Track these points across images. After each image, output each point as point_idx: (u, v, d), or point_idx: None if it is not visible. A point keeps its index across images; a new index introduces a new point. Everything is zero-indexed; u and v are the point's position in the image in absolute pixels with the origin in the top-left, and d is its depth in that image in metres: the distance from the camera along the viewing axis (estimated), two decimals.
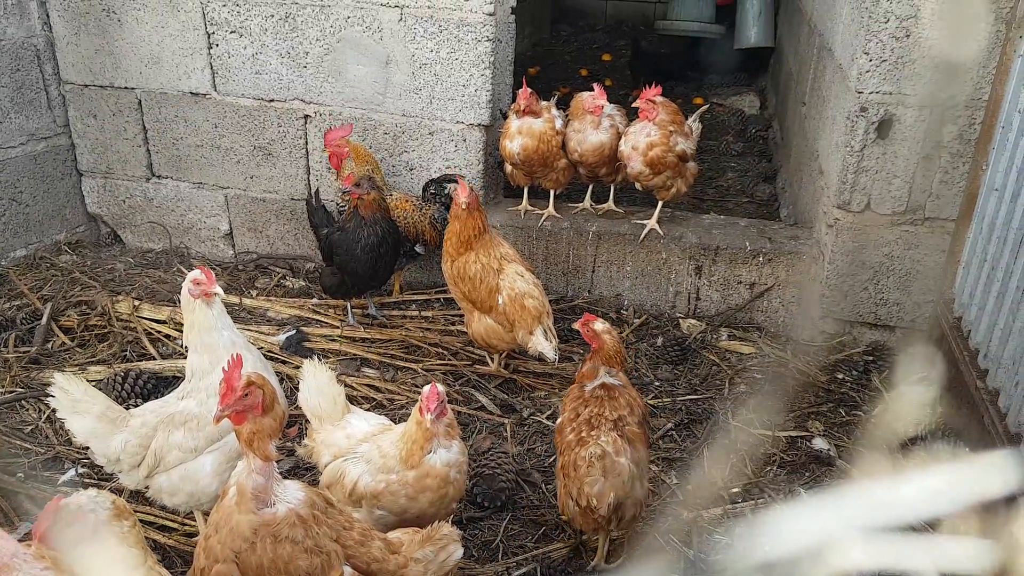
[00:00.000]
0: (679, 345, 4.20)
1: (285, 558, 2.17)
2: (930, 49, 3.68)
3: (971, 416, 3.48)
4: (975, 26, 3.62)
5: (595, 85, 4.35)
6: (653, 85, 4.25)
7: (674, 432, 3.70)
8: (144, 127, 5.02)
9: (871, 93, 3.83)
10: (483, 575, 2.93)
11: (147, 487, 2.90)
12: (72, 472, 3.39)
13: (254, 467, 2.20)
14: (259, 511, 2.19)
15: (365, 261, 4.09)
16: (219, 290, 2.91)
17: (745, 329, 4.47)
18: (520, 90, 4.30)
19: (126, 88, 4.94)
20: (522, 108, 4.26)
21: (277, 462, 2.27)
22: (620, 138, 4.32)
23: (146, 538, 2.73)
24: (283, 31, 4.53)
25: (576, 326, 3.11)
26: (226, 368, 2.34)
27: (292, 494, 2.25)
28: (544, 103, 4.36)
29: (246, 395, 2.25)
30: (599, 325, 3.02)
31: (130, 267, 5.08)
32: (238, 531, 2.18)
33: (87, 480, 3.34)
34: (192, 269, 4.92)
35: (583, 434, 2.78)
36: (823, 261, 4.23)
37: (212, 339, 2.88)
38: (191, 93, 4.84)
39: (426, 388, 2.65)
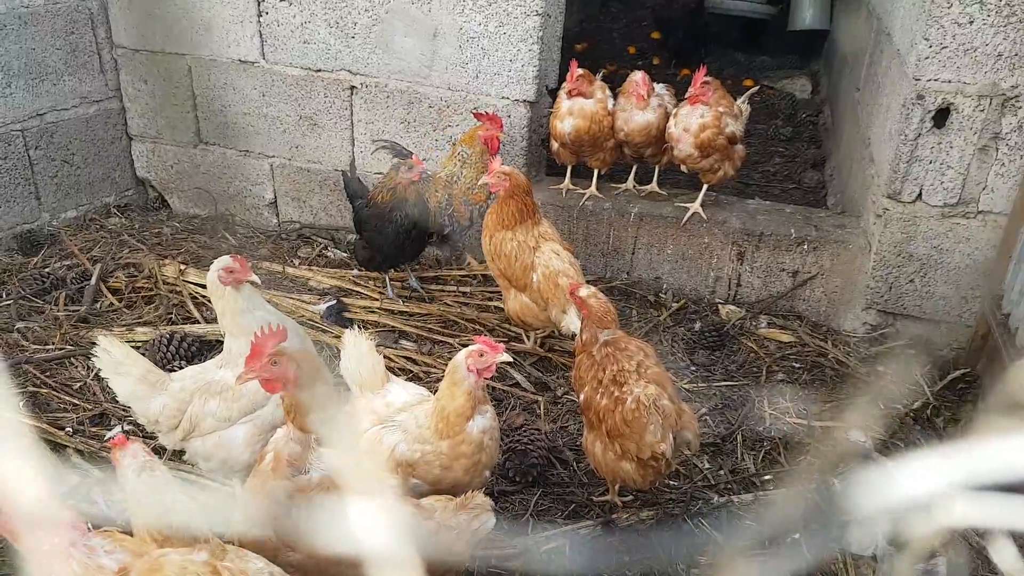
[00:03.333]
0: (717, 331, 4.17)
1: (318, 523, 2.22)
2: (993, 37, 3.56)
3: (1015, 413, 3.41)
4: None
5: (642, 76, 4.26)
6: (701, 67, 4.19)
7: (708, 417, 3.68)
8: (193, 93, 5.08)
9: (929, 80, 3.72)
10: (512, 548, 2.97)
11: (184, 448, 2.98)
12: (118, 428, 3.50)
13: (292, 435, 2.25)
14: (294, 478, 2.24)
15: (393, 240, 4.14)
16: (255, 278, 2.92)
17: (785, 317, 4.42)
18: (569, 72, 4.26)
19: (177, 54, 5.00)
20: (569, 91, 4.23)
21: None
22: (668, 118, 4.27)
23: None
24: (332, 0, 4.53)
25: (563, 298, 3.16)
26: (261, 333, 2.35)
27: (327, 463, 2.30)
28: (585, 87, 4.28)
29: (275, 363, 2.27)
30: (584, 291, 3.06)
31: (176, 232, 5.18)
32: (273, 495, 2.24)
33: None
34: (236, 236, 5.12)
35: (616, 394, 2.78)
36: (870, 251, 4.15)
37: (246, 321, 2.90)
38: (240, 61, 4.88)
39: (464, 352, 2.65)
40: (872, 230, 4.15)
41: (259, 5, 4.69)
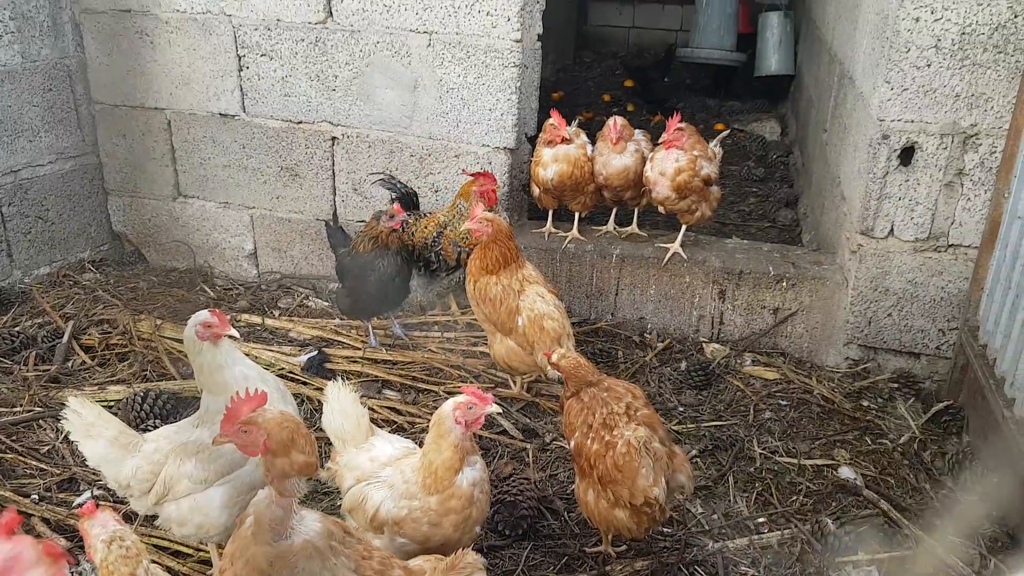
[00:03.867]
0: (703, 370, 4.18)
1: None
2: (950, 79, 3.70)
3: (1000, 445, 3.44)
4: (991, 56, 3.63)
5: (614, 120, 4.37)
6: (674, 114, 4.30)
7: (699, 459, 3.66)
8: (172, 147, 5.09)
9: (893, 121, 3.84)
10: None
11: (156, 513, 2.84)
12: (87, 494, 3.36)
13: (274, 498, 2.18)
14: (275, 542, 2.17)
15: (376, 288, 4.13)
16: (234, 332, 2.83)
17: (769, 354, 4.45)
18: (549, 122, 4.34)
19: (156, 109, 5.02)
20: (548, 140, 4.32)
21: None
22: (645, 162, 4.35)
23: (159, 564, 2.70)
24: (313, 55, 4.60)
25: (539, 359, 3.12)
26: (239, 397, 2.30)
27: (309, 525, 2.20)
28: (573, 128, 4.40)
29: (245, 432, 2.22)
30: (555, 356, 3.05)
31: (153, 286, 5.12)
32: (254, 563, 2.14)
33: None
34: (215, 288, 5.07)
35: (607, 438, 2.75)
36: (847, 287, 4.22)
37: (223, 377, 2.80)
38: (220, 114, 4.91)
39: (450, 403, 2.61)
40: (848, 266, 4.22)
41: (240, 60, 4.74)
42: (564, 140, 4.33)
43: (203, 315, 2.83)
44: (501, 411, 3.22)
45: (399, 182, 4.53)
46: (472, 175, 4.23)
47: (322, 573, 2.15)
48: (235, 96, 4.83)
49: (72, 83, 5.01)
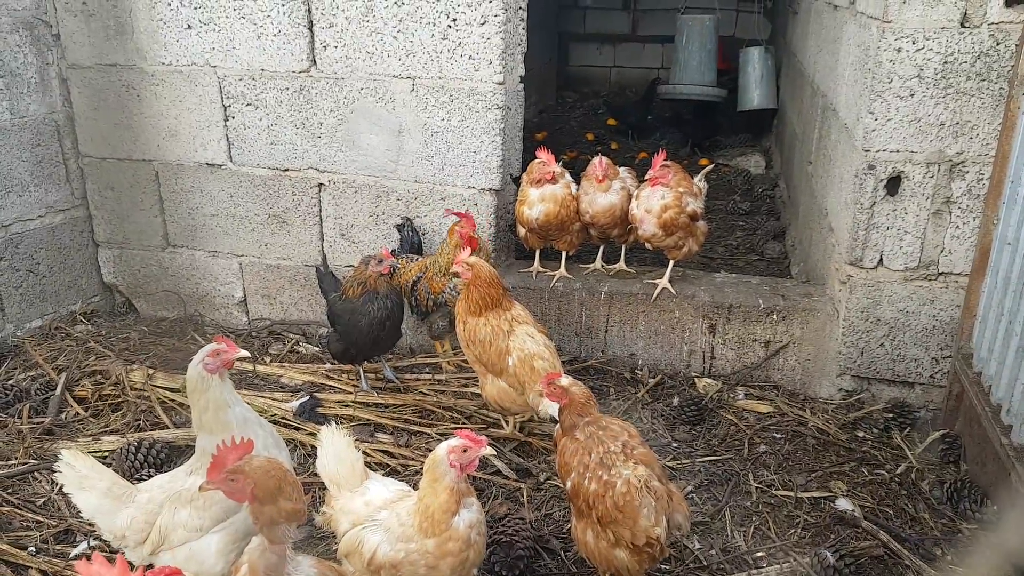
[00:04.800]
0: (695, 405, 4.15)
1: None
2: (934, 107, 3.75)
3: (998, 473, 3.41)
4: (975, 84, 3.68)
5: (599, 159, 4.41)
6: (660, 152, 4.34)
7: (694, 495, 3.62)
8: (161, 198, 5.12)
9: (878, 151, 3.87)
10: None
11: (152, 564, 2.84)
12: (84, 545, 3.35)
13: (267, 545, 2.16)
14: None
15: (367, 333, 4.12)
16: (244, 353, 2.86)
17: (762, 388, 4.43)
18: (536, 161, 4.37)
19: (144, 160, 5.06)
20: (536, 180, 4.35)
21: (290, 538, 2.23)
22: (631, 199, 4.38)
23: None
24: (298, 103, 4.65)
25: (540, 388, 3.05)
26: (225, 444, 2.31)
27: (305, 572, 2.20)
28: (558, 168, 4.42)
29: (232, 480, 2.22)
30: (564, 380, 2.99)
31: (144, 336, 5.11)
32: None
33: (99, 552, 3.27)
34: (205, 336, 5.05)
35: (605, 477, 2.71)
36: (838, 318, 4.21)
37: (227, 416, 2.83)
38: (207, 164, 4.94)
39: (444, 446, 2.60)
40: (838, 297, 4.23)
41: (225, 110, 4.79)
42: (552, 178, 4.35)
43: (209, 347, 2.86)
44: (495, 453, 3.19)
45: (411, 228, 4.62)
46: (454, 214, 4.25)
47: None
48: (221, 146, 4.87)
49: (60, 137, 5.05)
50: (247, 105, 4.74)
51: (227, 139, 4.85)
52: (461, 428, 2.69)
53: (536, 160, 4.38)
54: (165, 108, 4.88)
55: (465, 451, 2.57)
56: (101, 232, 5.31)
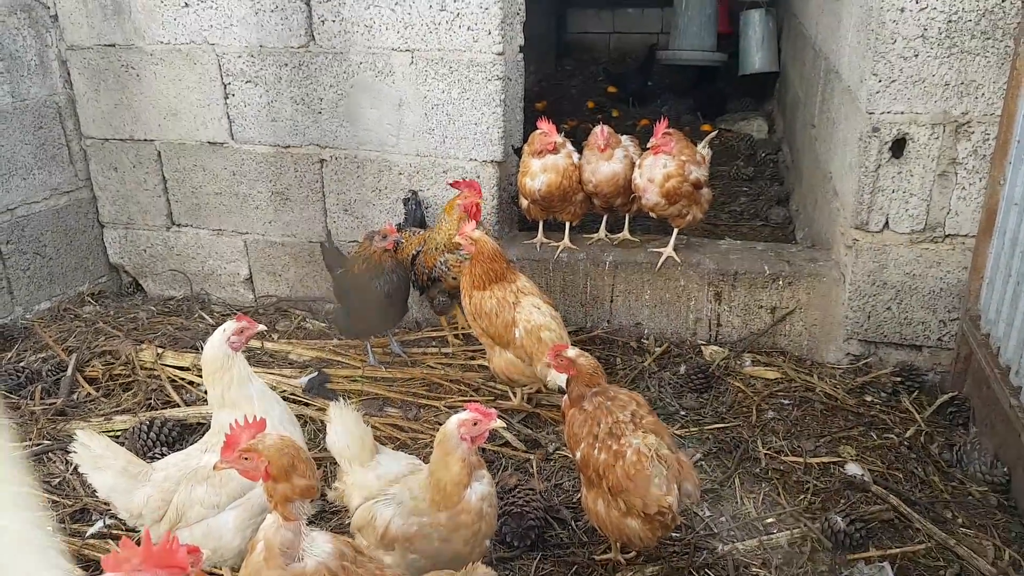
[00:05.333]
0: (703, 373, 4.16)
1: None
2: (939, 68, 3.69)
3: (1007, 435, 3.42)
4: (980, 43, 3.63)
5: (601, 127, 4.38)
6: (662, 119, 4.30)
7: (703, 462, 3.64)
8: (164, 178, 5.11)
9: (882, 113, 3.83)
10: None
11: None
12: (100, 524, 3.39)
13: (281, 522, 2.18)
14: (288, 567, 2.16)
15: (374, 308, 4.12)
16: (262, 326, 2.92)
17: (769, 354, 4.43)
18: (537, 132, 4.33)
19: (145, 140, 5.04)
20: (537, 151, 4.31)
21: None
22: (634, 168, 4.35)
23: None
24: (297, 79, 4.61)
25: (548, 360, 3.04)
26: (238, 423, 2.33)
27: (320, 547, 2.21)
28: (559, 139, 4.37)
29: (245, 459, 2.24)
30: (571, 352, 2.98)
31: (152, 315, 5.13)
32: None
33: (115, 531, 3.33)
34: (212, 315, 5.07)
35: (615, 447, 2.73)
36: (844, 282, 4.20)
37: (249, 391, 2.87)
38: (209, 143, 4.92)
39: (455, 419, 2.61)
40: (844, 261, 4.21)
41: (225, 88, 4.76)
42: (553, 148, 4.32)
43: (230, 325, 2.90)
44: (505, 426, 3.21)
45: (415, 202, 4.60)
46: (455, 185, 4.22)
47: None
48: (222, 124, 4.85)
49: (62, 119, 5.04)
50: (247, 82, 4.71)
51: (228, 117, 4.83)
52: (470, 401, 2.70)
53: (537, 131, 4.35)
54: (165, 87, 4.85)
55: (475, 424, 2.58)
56: (106, 213, 5.32)
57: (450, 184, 4.34)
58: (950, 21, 3.62)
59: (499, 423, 2.62)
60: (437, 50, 4.37)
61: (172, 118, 4.92)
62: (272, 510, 2.22)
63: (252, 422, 2.35)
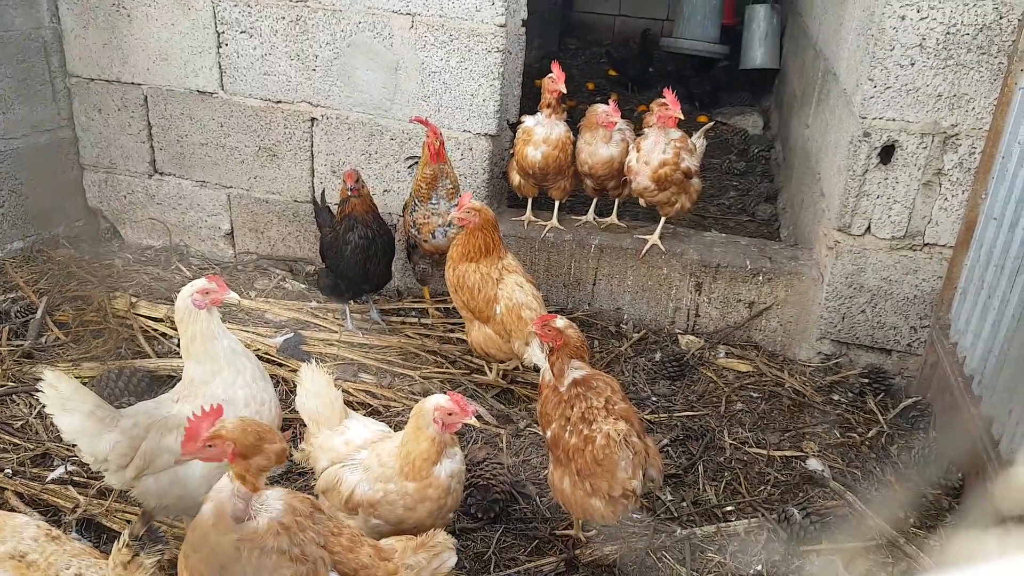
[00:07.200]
0: (677, 361, 4.21)
1: (270, 567, 2.14)
2: (933, 78, 3.73)
3: (965, 441, 3.50)
4: (975, 57, 3.66)
5: (611, 101, 4.37)
6: (667, 89, 4.26)
7: (669, 448, 3.70)
8: (149, 123, 5.01)
9: (875, 119, 3.86)
10: None
11: (132, 487, 2.84)
12: (61, 469, 3.36)
13: (237, 491, 2.18)
14: (239, 526, 2.16)
15: (354, 262, 4.09)
16: (234, 296, 2.85)
17: (743, 347, 4.49)
18: (547, 78, 4.21)
19: (133, 84, 4.94)
20: (546, 102, 4.23)
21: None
22: (628, 151, 4.34)
23: None
24: (293, 33, 4.54)
25: (534, 329, 3.03)
26: (195, 416, 2.29)
27: (272, 504, 2.21)
28: (563, 87, 4.23)
29: (210, 446, 2.21)
30: (560, 322, 2.98)
31: (128, 263, 5.06)
32: (218, 551, 2.14)
33: (75, 478, 3.31)
34: (190, 267, 5.02)
35: (586, 432, 2.77)
36: (822, 283, 4.25)
37: (214, 348, 2.83)
38: (198, 91, 4.84)
39: (432, 401, 2.62)
40: (824, 262, 4.26)
41: (219, 37, 4.67)
42: (559, 97, 4.21)
43: (200, 282, 2.85)
44: (479, 426, 3.21)
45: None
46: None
47: (291, 550, 2.16)
48: (213, 73, 4.76)
49: (47, 54, 4.91)
50: (241, 32, 4.62)
51: (219, 67, 4.74)
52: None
53: (548, 76, 4.22)
54: (156, 31, 4.75)
55: (451, 415, 2.60)
56: (87, 155, 5.21)
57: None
58: (948, 33, 3.65)
59: (474, 421, 2.63)
60: (439, 16, 4.32)
61: (162, 63, 4.82)
62: (234, 481, 2.20)
63: (209, 410, 2.31)
